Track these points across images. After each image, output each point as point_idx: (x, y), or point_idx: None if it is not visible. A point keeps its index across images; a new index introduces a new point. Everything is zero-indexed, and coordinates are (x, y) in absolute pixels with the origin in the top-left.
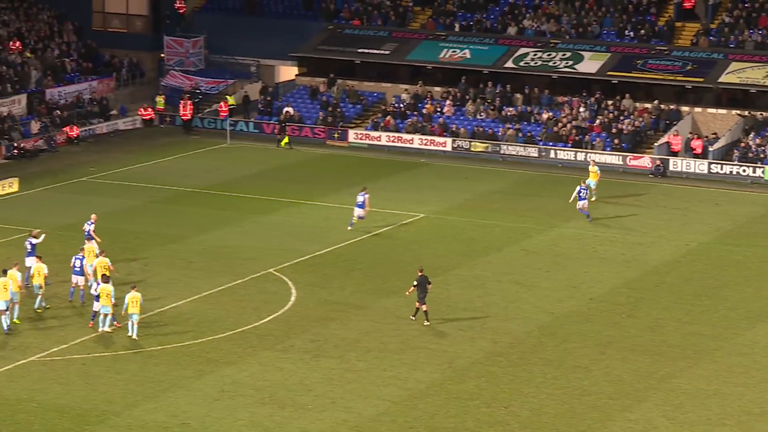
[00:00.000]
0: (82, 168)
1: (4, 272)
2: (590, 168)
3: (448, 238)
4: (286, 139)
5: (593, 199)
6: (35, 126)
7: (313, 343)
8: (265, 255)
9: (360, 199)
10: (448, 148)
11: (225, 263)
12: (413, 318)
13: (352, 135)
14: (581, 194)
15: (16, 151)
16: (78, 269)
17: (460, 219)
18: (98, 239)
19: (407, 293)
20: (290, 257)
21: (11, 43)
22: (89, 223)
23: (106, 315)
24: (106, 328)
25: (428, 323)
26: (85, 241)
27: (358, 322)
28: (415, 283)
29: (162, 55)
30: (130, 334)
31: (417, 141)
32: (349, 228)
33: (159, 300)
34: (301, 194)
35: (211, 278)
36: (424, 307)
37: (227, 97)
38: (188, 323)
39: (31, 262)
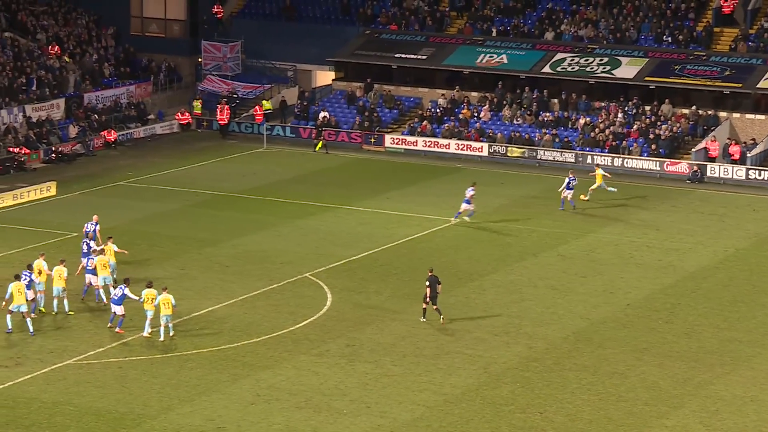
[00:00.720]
0: (119, 172)
1: (17, 277)
2: (597, 172)
3: (483, 243)
4: (320, 144)
5: (586, 198)
6: (73, 130)
7: (348, 348)
8: (301, 259)
9: (469, 193)
10: (485, 153)
11: (261, 267)
12: (423, 320)
13: (388, 140)
14: (570, 185)
15: (54, 155)
16: (91, 269)
17: (496, 224)
18: (100, 241)
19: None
20: (326, 262)
21: (50, 47)
22: (92, 223)
23: (166, 324)
24: (170, 333)
25: (443, 320)
26: (89, 242)
27: (394, 327)
28: (426, 283)
29: (199, 59)
30: (162, 339)
31: (453, 146)
32: (454, 220)
33: (195, 304)
34: (337, 199)
35: (246, 282)
36: (434, 307)
37: (263, 102)
38: (224, 327)
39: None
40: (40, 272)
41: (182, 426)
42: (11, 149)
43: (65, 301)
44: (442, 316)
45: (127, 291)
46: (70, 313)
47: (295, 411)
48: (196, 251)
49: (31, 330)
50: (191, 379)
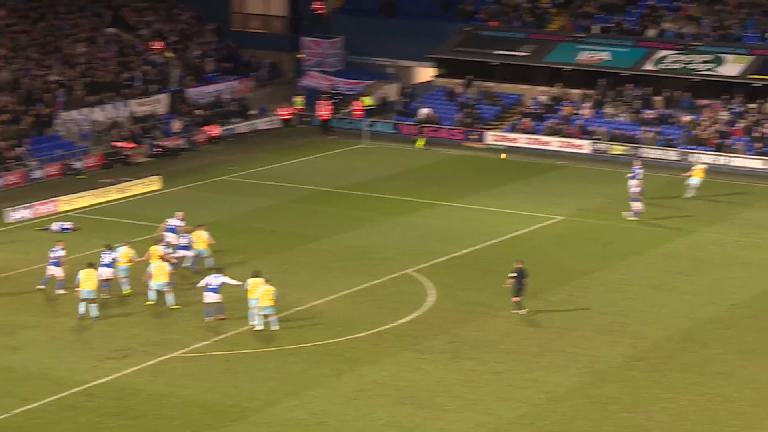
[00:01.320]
0: (221, 167)
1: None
2: (695, 168)
3: (586, 241)
4: (422, 141)
5: (689, 195)
6: (177, 125)
7: (451, 344)
8: (402, 256)
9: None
10: (587, 150)
11: (362, 263)
12: (515, 312)
13: (489, 137)
14: (636, 176)
15: (158, 149)
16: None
17: (599, 222)
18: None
19: (505, 285)
20: (427, 258)
21: (153, 43)
22: (177, 219)
23: (267, 315)
24: (273, 326)
25: (523, 311)
26: (163, 235)
27: (497, 324)
28: (513, 275)
29: (300, 55)
30: (260, 328)
31: (555, 143)
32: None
33: (297, 299)
34: (438, 195)
35: (348, 278)
36: (517, 299)
37: (362, 98)
38: (326, 322)
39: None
40: (129, 260)
41: (286, 419)
42: (116, 144)
43: (169, 296)
44: (521, 310)
45: (226, 278)
46: (176, 307)
47: (398, 407)
48: (298, 247)
49: (95, 314)
50: (295, 373)
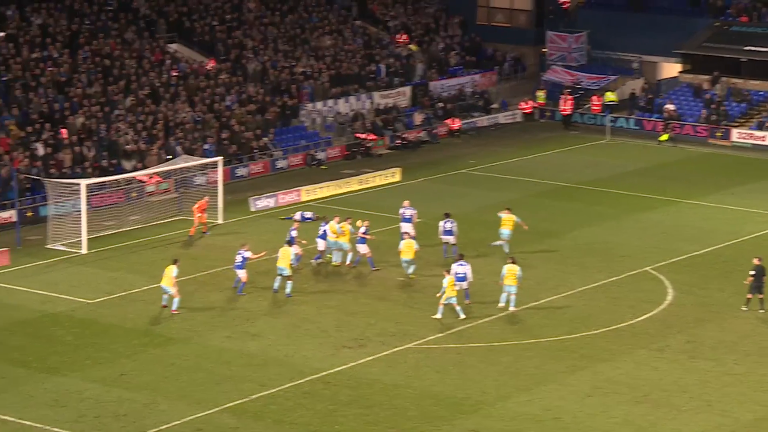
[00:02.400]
0: (461, 160)
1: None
2: None
3: None
4: (665, 135)
5: None
6: (418, 118)
7: (689, 344)
8: (641, 253)
9: None
10: None
11: (600, 260)
12: (745, 309)
13: (735, 134)
14: None
15: (399, 141)
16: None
17: None
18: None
19: (746, 282)
20: (667, 256)
21: (398, 36)
22: (409, 209)
23: (510, 294)
24: (513, 308)
25: (763, 311)
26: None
27: (737, 325)
28: (752, 272)
29: (544, 49)
30: (503, 304)
31: None
32: None
33: (534, 293)
34: (680, 193)
35: (585, 274)
36: (759, 296)
37: (607, 93)
38: (562, 318)
39: (241, 274)
40: (335, 233)
41: (519, 414)
42: (359, 135)
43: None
44: (763, 309)
45: (461, 269)
46: (412, 276)
47: (633, 405)
48: (536, 241)
49: (288, 292)
50: (529, 368)
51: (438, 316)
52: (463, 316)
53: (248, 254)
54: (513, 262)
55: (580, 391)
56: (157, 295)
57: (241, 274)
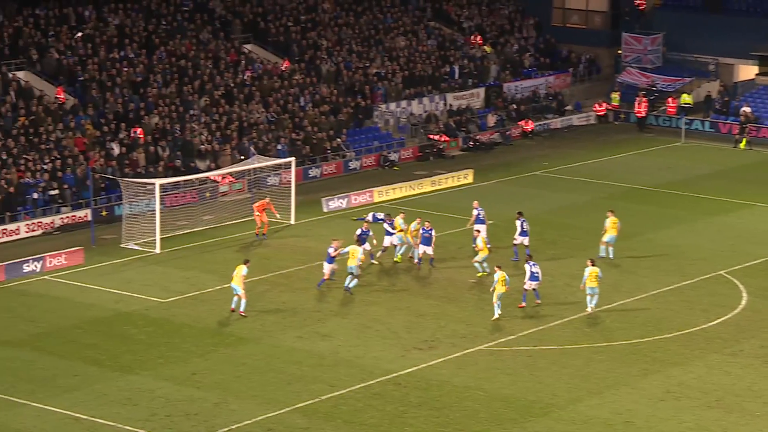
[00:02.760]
0: (534, 162)
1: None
2: None
3: None
4: (744, 142)
5: None
6: (491, 119)
7: (763, 349)
8: (715, 256)
9: None
10: None
11: (674, 263)
12: None
13: None
14: None
15: (472, 143)
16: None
17: None
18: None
19: None
20: (742, 260)
21: (472, 37)
22: (479, 210)
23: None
24: (591, 307)
25: None
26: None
27: None
28: None
29: (619, 51)
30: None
31: None
32: None
33: (606, 296)
34: (756, 196)
35: (659, 277)
36: None
37: (683, 95)
38: (634, 321)
39: (326, 269)
40: (401, 230)
41: (590, 417)
42: (432, 136)
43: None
44: None
45: (535, 268)
46: (481, 274)
47: (705, 410)
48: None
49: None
50: (600, 371)
51: (496, 315)
52: (498, 314)
53: (331, 250)
54: (593, 264)
55: (651, 395)
56: (230, 294)
57: (326, 268)
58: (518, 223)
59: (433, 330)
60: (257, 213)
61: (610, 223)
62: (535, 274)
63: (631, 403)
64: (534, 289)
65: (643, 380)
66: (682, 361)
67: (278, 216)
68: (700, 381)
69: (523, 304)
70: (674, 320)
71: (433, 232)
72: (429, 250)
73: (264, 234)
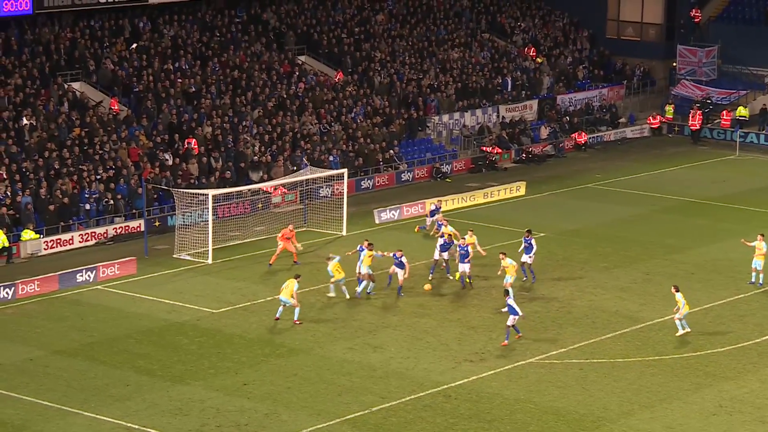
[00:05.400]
0: (588, 174)
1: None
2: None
3: None
4: None
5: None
6: (544, 131)
7: None
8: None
9: None
10: None
11: (727, 276)
12: None
13: None
14: None
15: (524, 155)
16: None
17: None
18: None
19: None
20: None
21: (526, 49)
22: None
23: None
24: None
25: None
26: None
27: None
28: None
29: (674, 64)
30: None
31: None
32: None
33: (659, 310)
34: None
35: (712, 291)
36: None
37: (739, 108)
38: (687, 335)
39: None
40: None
41: (641, 431)
42: (484, 148)
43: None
44: None
45: (512, 302)
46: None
47: (758, 425)
48: (662, 257)
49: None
50: (652, 385)
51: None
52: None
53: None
54: (677, 290)
55: (704, 410)
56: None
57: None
58: (524, 240)
59: (484, 342)
60: (281, 242)
61: (759, 247)
62: (513, 308)
63: (682, 417)
64: (513, 326)
65: (695, 394)
66: (734, 375)
67: (300, 247)
68: (752, 395)
69: (506, 342)
70: (727, 334)
71: (470, 248)
72: (466, 267)
73: (296, 261)
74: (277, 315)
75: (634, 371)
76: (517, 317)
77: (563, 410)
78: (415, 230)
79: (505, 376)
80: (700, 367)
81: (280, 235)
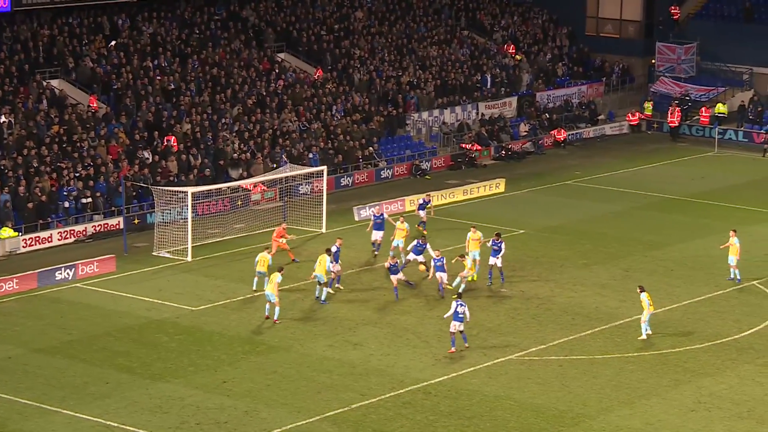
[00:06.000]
0: (567, 171)
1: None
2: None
3: None
4: None
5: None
6: (524, 128)
7: None
8: (747, 266)
9: None
10: None
11: (706, 273)
12: None
13: None
14: None
15: (504, 152)
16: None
17: None
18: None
19: None
20: None
21: (505, 46)
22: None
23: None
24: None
25: None
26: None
27: None
28: None
29: (653, 61)
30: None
31: None
32: None
33: (638, 307)
34: None
35: (691, 287)
36: None
37: (718, 104)
38: (666, 331)
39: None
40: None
41: (620, 428)
42: (464, 145)
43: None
44: None
45: (461, 308)
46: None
47: (737, 420)
48: (641, 253)
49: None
50: (631, 381)
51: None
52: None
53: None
54: (642, 291)
55: (682, 406)
56: (261, 303)
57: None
58: (492, 242)
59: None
60: (279, 238)
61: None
62: (460, 315)
63: (661, 413)
64: (461, 331)
65: (674, 390)
66: (713, 371)
67: (291, 237)
68: (731, 391)
69: (453, 349)
70: (706, 330)
71: (445, 260)
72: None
73: (293, 259)
74: (266, 312)
75: (614, 368)
76: (460, 323)
77: (543, 407)
78: (422, 231)
79: (485, 373)
80: (679, 364)
81: (274, 234)
